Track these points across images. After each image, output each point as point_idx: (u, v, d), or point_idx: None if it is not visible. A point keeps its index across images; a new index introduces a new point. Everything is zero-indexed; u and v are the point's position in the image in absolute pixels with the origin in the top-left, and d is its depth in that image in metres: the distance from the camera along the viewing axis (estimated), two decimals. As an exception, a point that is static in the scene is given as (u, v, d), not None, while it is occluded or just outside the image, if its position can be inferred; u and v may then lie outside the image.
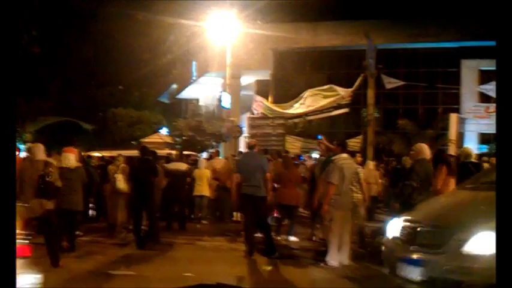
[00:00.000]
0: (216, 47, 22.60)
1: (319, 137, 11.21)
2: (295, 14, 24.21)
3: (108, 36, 32.20)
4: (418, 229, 4.88)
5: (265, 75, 25.84)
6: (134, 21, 29.75)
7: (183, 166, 11.64)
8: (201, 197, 12.01)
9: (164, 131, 28.16)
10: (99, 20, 31.28)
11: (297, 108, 21.05)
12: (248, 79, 26.49)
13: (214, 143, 23.61)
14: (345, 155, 7.72)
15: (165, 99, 37.61)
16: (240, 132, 20.51)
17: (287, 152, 14.53)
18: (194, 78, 29.29)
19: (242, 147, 20.77)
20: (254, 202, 8.16)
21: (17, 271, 3.31)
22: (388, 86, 20.45)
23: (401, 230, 5.18)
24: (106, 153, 13.20)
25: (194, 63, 29.23)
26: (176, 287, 1.77)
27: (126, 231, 9.79)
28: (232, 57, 21.13)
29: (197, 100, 30.42)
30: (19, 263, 3.50)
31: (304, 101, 20.98)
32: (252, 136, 17.62)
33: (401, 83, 21.80)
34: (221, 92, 21.93)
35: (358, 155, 10.02)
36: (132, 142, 26.27)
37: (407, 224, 5.14)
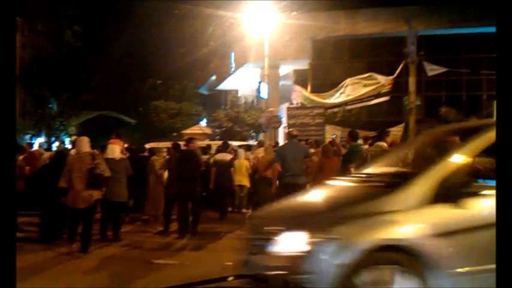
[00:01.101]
0: (254, 38, 22.64)
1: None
2: (333, 2, 23.95)
3: (148, 30, 32.72)
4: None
5: (303, 64, 25.69)
6: (173, 14, 30.11)
7: (228, 156, 11.87)
8: (241, 187, 12.18)
9: (204, 122, 28.46)
10: (138, 13, 31.79)
11: (337, 97, 20.85)
12: (286, 69, 26.42)
13: (253, 134, 23.74)
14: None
15: (204, 91, 37.93)
16: (279, 123, 20.53)
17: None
18: (233, 69, 29.41)
19: (281, 138, 20.80)
20: (295, 190, 8.22)
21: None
22: (430, 73, 19.92)
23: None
24: (162, 145, 13.48)
25: (232, 54, 29.34)
26: (218, 276, 1.83)
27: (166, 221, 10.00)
28: (270, 48, 21.12)
29: (236, 91, 30.55)
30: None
31: (344, 90, 20.74)
32: (290, 126, 17.59)
33: (444, 69, 21.21)
34: (259, 82, 21.97)
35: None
36: (173, 134, 26.68)
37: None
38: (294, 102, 22.66)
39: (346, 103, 20.68)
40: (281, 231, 4.07)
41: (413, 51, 16.77)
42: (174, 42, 32.75)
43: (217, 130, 24.82)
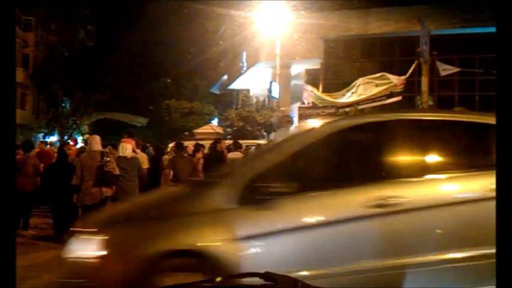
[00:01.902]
0: (265, 37, 22.64)
1: None
2: (345, 2, 23.87)
3: (160, 29, 32.87)
4: None
5: (315, 64, 25.63)
6: (184, 14, 30.22)
7: (239, 155, 11.96)
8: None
9: (216, 121, 28.54)
10: (150, 13, 31.95)
11: (349, 97, 20.77)
12: (298, 68, 26.39)
13: (264, 133, 23.74)
14: None
15: (216, 91, 38.04)
16: (291, 122, 20.49)
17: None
18: (244, 68, 29.44)
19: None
20: None
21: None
22: (443, 73, 19.77)
23: None
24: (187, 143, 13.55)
25: (244, 53, 29.36)
26: (226, 275, 1.83)
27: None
28: (282, 47, 21.10)
29: (248, 90, 30.58)
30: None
31: (356, 90, 20.65)
32: (302, 126, 17.56)
33: (457, 69, 21.06)
34: (271, 82, 21.97)
35: None
36: (185, 133, 26.79)
37: None
38: (306, 101, 22.63)
39: (357, 103, 20.58)
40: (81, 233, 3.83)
41: (426, 51, 16.66)
42: (185, 42, 32.91)
43: (228, 129, 24.88)
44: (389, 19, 23.97)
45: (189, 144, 12.52)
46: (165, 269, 3.49)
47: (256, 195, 3.76)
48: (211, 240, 3.65)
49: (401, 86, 19.29)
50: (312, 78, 25.75)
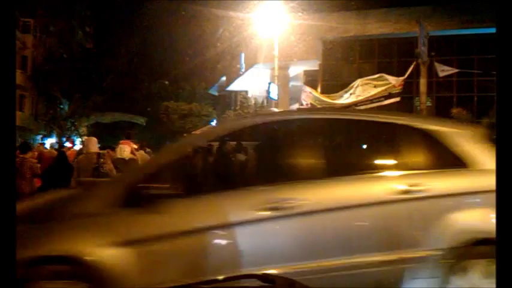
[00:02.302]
0: (263, 39, 22.65)
1: None
2: (344, 3, 23.90)
3: (158, 31, 32.85)
4: None
5: (313, 65, 25.65)
6: (182, 16, 30.21)
7: (242, 157, 11.99)
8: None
9: (214, 123, 28.53)
10: (149, 14, 31.95)
11: (347, 98, 20.78)
12: (297, 70, 26.41)
13: (263, 134, 23.73)
14: None
15: (214, 92, 38.04)
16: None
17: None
18: (243, 70, 29.45)
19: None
20: None
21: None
22: (442, 74, 19.80)
23: None
24: None
25: (242, 55, 29.37)
26: (226, 276, 1.83)
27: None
28: (280, 48, 21.11)
29: (246, 92, 30.60)
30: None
31: (355, 91, 20.66)
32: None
33: (455, 70, 21.08)
34: (269, 83, 21.98)
35: None
36: (184, 134, 26.78)
37: None
38: (304, 103, 22.64)
39: (356, 104, 20.58)
40: None
41: (425, 52, 16.69)
42: (184, 44, 32.89)
43: (227, 131, 24.87)
44: (388, 20, 24.00)
45: None
46: (41, 276, 3.26)
47: (142, 197, 3.53)
48: (88, 245, 3.37)
49: (400, 87, 19.31)
50: (310, 79, 25.77)
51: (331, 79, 25.00)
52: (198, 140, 4.42)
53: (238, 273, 2.05)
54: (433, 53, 17.84)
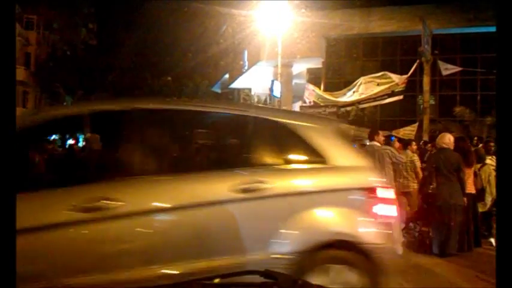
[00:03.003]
0: (267, 36, 22.62)
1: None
2: (347, 1, 23.89)
3: (161, 28, 32.87)
4: None
5: (317, 63, 25.64)
6: (186, 13, 30.20)
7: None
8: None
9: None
10: (152, 11, 31.95)
11: (350, 96, 20.75)
12: (300, 67, 26.39)
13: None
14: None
15: (217, 89, 38.03)
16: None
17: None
18: (246, 67, 29.43)
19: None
20: None
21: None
22: (445, 73, 19.78)
23: None
24: None
25: (246, 52, 29.36)
26: (230, 272, 1.83)
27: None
28: (284, 46, 21.08)
29: (249, 89, 30.59)
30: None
31: (358, 89, 20.62)
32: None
33: (459, 69, 21.06)
34: (272, 81, 21.95)
35: (413, 143, 9.81)
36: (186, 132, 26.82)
37: None
38: (307, 100, 22.62)
39: (359, 102, 20.57)
40: None
41: (428, 50, 16.68)
42: (187, 41, 32.90)
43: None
44: (392, 18, 23.97)
45: None
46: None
47: None
48: None
49: (403, 85, 19.27)
50: (314, 77, 25.76)
51: (335, 77, 24.99)
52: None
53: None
54: (436, 51, 17.83)
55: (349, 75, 22.70)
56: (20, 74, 33.44)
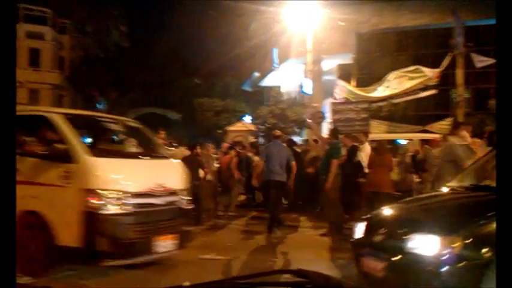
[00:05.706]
0: (296, 33, 22.58)
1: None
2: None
3: (191, 28, 33.14)
4: None
5: (347, 59, 25.44)
6: (215, 12, 30.38)
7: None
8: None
9: (248, 119, 28.63)
10: (180, 12, 32.27)
11: (381, 91, 20.53)
12: (330, 63, 26.21)
13: (297, 130, 23.70)
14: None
15: (247, 88, 38.09)
16: (323, 118, 20.40)
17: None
18: (276, 65, 29.42)
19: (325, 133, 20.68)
20: (275, 187, 9.10)
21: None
22: (479, 65, 19.37)
23: None
24: None
25: (275, 50, 29.34)
26: (259, 272, 1.86)
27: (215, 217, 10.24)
28: (313, 42, 21.00)
29: (279, 87, 30.56)
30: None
31: (389, 84, 20.37)
32: (335, 121, 17.42)
33: (493, 61, 20.57)
34: (302, 78, 21.91)
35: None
36: (218, 131, 26.99)
37: None
38: (338, 97, 22.46)
39: (391, 97, 20.33)
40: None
41: (461, 43, 16.39)
42: (216, 40, 33.12)
43: (261, 127, 24.93)
44: (423, 11, 23.59)
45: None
46: None
47: None
48: None
49: (437, 79, 18.96)
50: (345, 73, 25.56)
51: (366, 72, 24.75)
52: None
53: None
54: (469, 44, 17.49)
55: (381, 70, 22.39)
56: (55, 77, 34.27)
